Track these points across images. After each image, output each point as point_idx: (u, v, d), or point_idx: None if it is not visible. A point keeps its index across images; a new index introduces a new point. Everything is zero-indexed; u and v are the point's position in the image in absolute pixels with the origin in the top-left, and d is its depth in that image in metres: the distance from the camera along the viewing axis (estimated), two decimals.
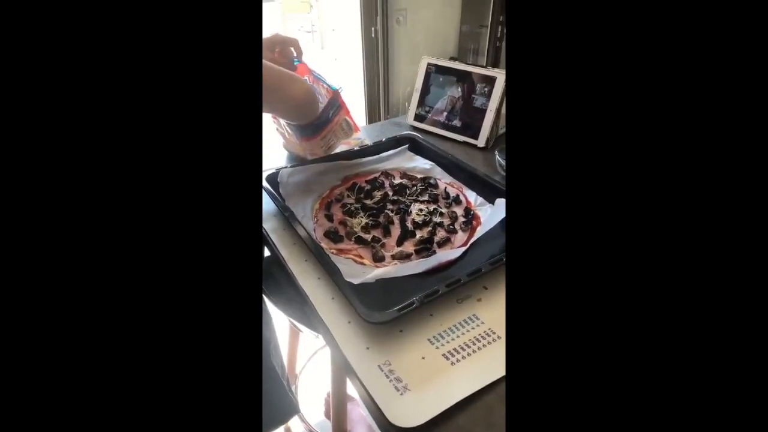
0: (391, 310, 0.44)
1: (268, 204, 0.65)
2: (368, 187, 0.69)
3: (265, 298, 0.80)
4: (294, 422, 1.18)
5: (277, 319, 0.84)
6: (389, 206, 0.65)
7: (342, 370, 0.45)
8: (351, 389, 0.84)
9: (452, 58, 0.93)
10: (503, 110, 0.84)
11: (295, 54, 0.75)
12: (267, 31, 0.74)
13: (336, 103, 0.71)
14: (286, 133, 0.77)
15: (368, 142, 0.82)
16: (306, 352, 1.30)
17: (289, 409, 0.75)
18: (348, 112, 0.73)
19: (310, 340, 1.17)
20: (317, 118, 0.68)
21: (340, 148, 0.77)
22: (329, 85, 0.71)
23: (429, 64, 0.91)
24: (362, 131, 0.87)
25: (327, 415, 1.12)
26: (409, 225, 0.61)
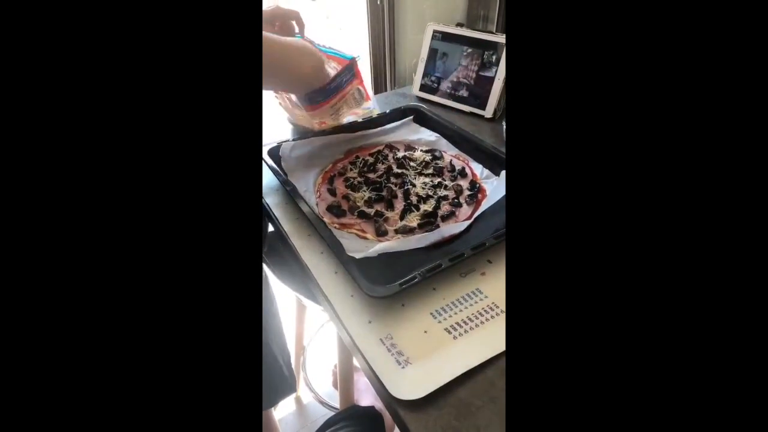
0: (393, 284, 0.44)
1: (270, 178, 0.64)
2: (372, 160, 0.68)
3: (271, 279, 0.81)
4: (304, 392, 1.21)
5: (284, 292, 0.85)
6: (393, 180, 0.64)
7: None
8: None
9: (459, 24, 0.89)
10: None
11: (297, 29, 0.71)
12: (268, 3, 0.70)
13: (351, 70, 0.67)
14: (290, 105, 0.75)
15: (376, 112, 0.80)
16: (314, 325, 1.32)
17: (287, 387, 0.79)
18: (362, 82, 0.70)
19: (318, 313, 1.19)
20: (327, 84, 0.65)
21: (348, 118, 0.75)
22: (343, 56, 0.68)
23: (435, 31, 0.87)
24: (372, 100, 0.84)
25: (335, 385, 1.15)
26: (413, 199, 0.60)
